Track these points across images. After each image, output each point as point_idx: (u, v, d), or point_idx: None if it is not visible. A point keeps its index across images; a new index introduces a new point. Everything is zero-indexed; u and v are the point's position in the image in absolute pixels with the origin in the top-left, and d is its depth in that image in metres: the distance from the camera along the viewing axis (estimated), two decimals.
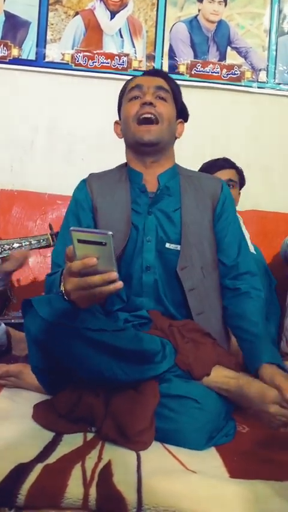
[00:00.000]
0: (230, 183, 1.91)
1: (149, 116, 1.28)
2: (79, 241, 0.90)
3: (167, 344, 1.14)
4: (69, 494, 0.78)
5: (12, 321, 1.89)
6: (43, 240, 1.80)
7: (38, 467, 0.83)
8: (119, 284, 0.92)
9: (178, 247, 1.29)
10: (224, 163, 1.94)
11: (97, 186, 1.39)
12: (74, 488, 0.79)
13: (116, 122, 1.43)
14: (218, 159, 1.96)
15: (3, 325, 1.69)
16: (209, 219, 1.34)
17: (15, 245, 1.74)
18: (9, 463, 0.84)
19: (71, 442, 1.00)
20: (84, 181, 1.43)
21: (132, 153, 1.38)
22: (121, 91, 1.41)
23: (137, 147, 1.34)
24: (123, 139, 1.41)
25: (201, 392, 1.08)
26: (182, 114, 1.41)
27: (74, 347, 1.07)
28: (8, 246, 1.73)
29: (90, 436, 1.04)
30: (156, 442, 1.03)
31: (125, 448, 0.99)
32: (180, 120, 1.41)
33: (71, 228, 0.89)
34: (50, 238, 1.82)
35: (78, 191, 1.41)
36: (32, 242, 1.78)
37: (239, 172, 1.97)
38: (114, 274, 0.91)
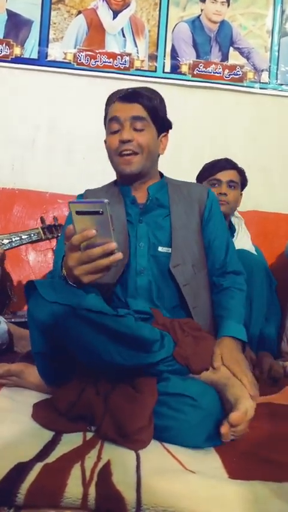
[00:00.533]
0: (231, 184, 1.91)
1: (127, 152, 1.35)
2: (77, 213, 0.95)
3: (166, 335, 1.15)
4: (68, 494, 0.77)
5: (13, 320, 1.89)
6: (34, 235, 1.78)
7: (38, 467, 0.83)
8: (119, 255, 0.99)
9: (170, 250, 1.37)
10: (225, 164, 1.93)
11: (92, 197, 1.47)
12: (73, 488, 0.79)
13: (105, 141, 1.46)
14: (219, 159, 1.95)
15: (4, 324, 1.69)
16: (196, 222, 1.43)
17: (5, 241, 1.73)
18: (9, 462, 0.84)
19: (71, 441, 0.99)
20: (81, 195, 1.52)
21: (119, 177, 1.47)
22: (105, 108, 1.44)
23: (121, 176, 1.44)
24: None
25: (198, 389, 1.09)
26: (164, 126, 1.44)
27: (75, 328, 1.09)
28: None
29: (89, 435, 1.04)
30: (156, 441, 1.03)
31: (124, 447, 0.98)
32: (163, 134, 1.44)
33: (69, 201, 0.95)
34: (42, 232, 1.80)
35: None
36: (23, 237, 1.76)
37: (241, 173, 1.96)
38: (113, 245, 0.96)
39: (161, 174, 1.51)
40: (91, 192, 1.50)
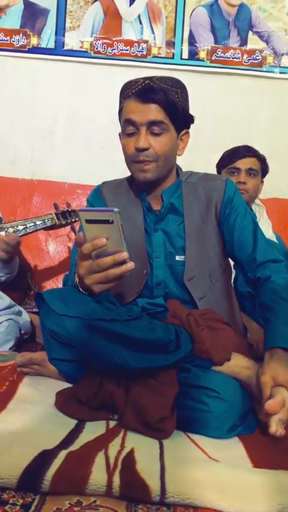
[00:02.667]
0: (251, 172, 1.87)
1: (143, 160, 1.25)
2: (87, 221, 0.93)
3: (181, 333, 1.14)
4: (93, 481, 0.78)
5: (34, 310, 1.90)
6: (48, 220, 1.76)
7: (62, 454, 0.84)
8: (131, 265, 0.95)
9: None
10: (245, 151, 1.89)
11: (110, 196, 1.41)
12: (97, 475, 0.79)
13: (119, 134, 1.36)
14: (238, 147, 1.92)
15: (26, 315, 1.71)
16: (213, 226, 1.34)
17: (20, 227, 1.71)
18: (34, 450, 0.84)
19: (94, 429, 1.00)
20: (98, 189, 1.44)
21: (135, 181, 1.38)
22: (119, 100, 1.32)
23: (137, 182, 1.35)
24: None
25: (220, 381, 1.08)
26: (186, 123, 1.33)
27: (86, 338, 1.10)
28: (12, 229, 1.70)
29: (112, 423, 1.05)
30: (178, 431, 1.03)
31: (147, 436, 0.99)
32: (183, 132, 1.33)
33: (78, 209, 0.93)
34: (55, 218, 1.77)
35: (92, 198, 1.44)
36: (37, 223, 1.74)
37: (261, 161, 1.92)
38: (125, 254, 0.93)
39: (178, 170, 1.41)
40: (107, 186, 1.44)
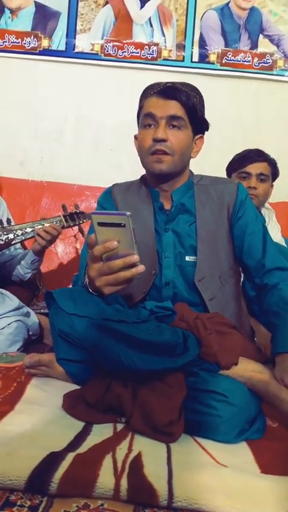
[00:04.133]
0: (261, 177, 1.86)
1: (160, 152, 1.28)
2: (99, 224, 0.93)
3: (189, 336, 1.14)
4: (100, 484, 0.78)
5: (42, 311, 1.91)
6: (56, 222, 1.77)
7: (70, 457, 0.84)
8: (141, 268, 0.95)
9: (196, 258, 1.31)
10: (255, 155, 1.88)
11: (121, 198, 1.42)
12: (105, 479, 0.79)
13: (135, 137, 1.40)
14: (250, 150, 1.90)
15: (35, 316, 1.71)
16: (225, 227, 1.35)
17: (28, 229, 1.73)
18: (42, 451, 0.85)
19: (101, 432, 1.00)
20: (109, 190, 1.46)
21: (149, 177, 1.40)
22: (139, 100, 1.36)
23: (151, 176, 1.37)
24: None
25: (228, 386, 1.08)
26: (201, 128, 1.36)
27: (95, 338, 1.10)
28: (20, 231, 1.72)
29: (120, 426, 1.04)
30: (186, 435, 1.03)
31: (154, 439, 0.99)
32: (198, 136, 1.36)
33: (91, 212, 0.93)
34: (63, 220, 1.78)
35: (103, 200, 1.45)
36: (45, 225, 1.75)
37: (272, 165, 1.91)
38: (136, 257, 0.94)
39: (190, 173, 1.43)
40: (119, 188, 1.45)
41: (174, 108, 1.28)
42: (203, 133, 1.38)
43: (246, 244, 1.33)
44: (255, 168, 1.86)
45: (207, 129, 1.38)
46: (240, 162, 1.88)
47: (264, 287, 1.29)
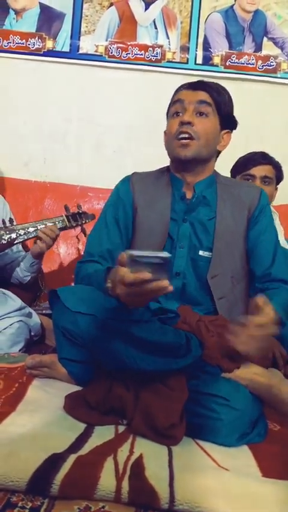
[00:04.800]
0: (266, 179, 1.86)
1: (186, 135, 1.29)
2: (134, 260, 0.91)
3: (191, 338, 1.14)
4: (102, 487, 0.78)
5: (44, 311, 1.91)
6: (58, 222, 1.76)
7: (71, 458, 0.84)
8: (170, 288, 0.92)
9: (211, 255, 1.31)
10: (260, 158, 1.87)
11: (140, 186, 1.41)
12: (106, 481, 0.79)
13: (164, 132, 1.43)
14: (255, 153, 1.90)
15: (37, 317, 1.72)
16: (243, 228, 1.34)
17: (30, 229, 1.72)
18: (43, 453, 0.85)
19: (103, 434, 1.00)
20: (128, 178, 1.45)
21: (174, 165, 1.40)
22: (171, 100, 1.41)
23: (176, 163, 1.37)
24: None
25: (230, 389, 1.08)
26: (229, 123, 1.38)
27: (98, 336, 1.11)
28: (23, 231, 1.72)
29: (121, 428, 1.05)
30: (187, 437, 1.03)
31: (156, 442, 0.99)
32: (226, 131, 1.38)
33: (129, 252, 0.91)
34: (66, 220, 1.78)
35: (121, 186, 1.44)
36: (48, 225, 1.75)
37: (276, 167, 1.90)
38: (166, 282, 0.92)
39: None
40: (138, 176, 1.44)
41: (202, 95, 1.32)
42: (231, 130, 1.40)
43: (257, 249, 1.34)
44: (259, 171, 1.85)
45: (235, 127, 1.40)
46: (244, 164, 1.88)
47: (264, 289, 1.28)
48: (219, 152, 1.41)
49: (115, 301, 1.13)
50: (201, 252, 1.32)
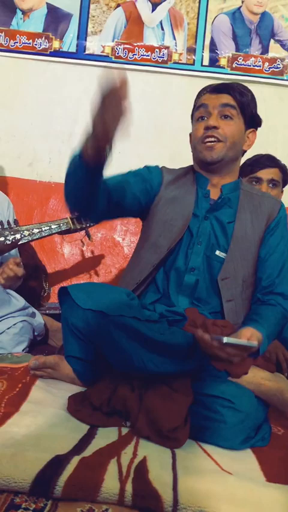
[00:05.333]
0: (273, 182, 1.85)
1: (212, 139, 1.30)
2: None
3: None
4: (105, 489, 0.78)
5: (47, 311, 1.91)
6: (63, 224, 1.76)
7: (75, 460, 0.84)
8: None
9: (226, 256, 1.31)
10: (267, 161, 1.86)
11: (168, 179, 1.41)
12: (110, 483, 0.79)
13: (190, 135, 1.44)
14: (261, 156, 1.89)
15: (40, 317, 1.71)
16: (259, 237, 1.35)
17: (35, 230, 1.72)
18: (47, 454, 0.84)
19: (106, 435, 1.00)
20: (159, 167, 1.45)
21: (200, 167, 1.40)
22: (195, 101, 1.42)
23: (202, 165, 1.38)
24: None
25: (235, 391, 1.07)
26: (253, 122, 1.39)
27: (108, 334, 1.11)
28: (27, 232, 1.72)
29: (124, 430, 1.04)
30: (191, 440, 1.03)
31: (159, 445, 0.98)
32: (250, 130, 1.39)
33: (225, 340, 1.00)
34: (71, 222, 1.78)
35: (153, 168, 1.43)
36: (52, 227, 1.74)
37: (283, 171, 1.90)
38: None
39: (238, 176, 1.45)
40: (167, 170, 1.44)
41: (226, 99, 1.33)
42: (256, 128, 1.41)
43: (268, 259, 1.34)
44: (266, 174, 1.85)
45: (259, 124, 1.41)
46: (251, 167, 1.87)
47: (263, 302, 1.30)
48: (244, 152, 1.41)
49: (125, 299, 1.15)
50: (217, 252, 1.32)
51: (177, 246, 1.32)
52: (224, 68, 2.45)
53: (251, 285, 1.33)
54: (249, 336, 1.08)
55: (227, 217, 1.35)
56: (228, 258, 1.30)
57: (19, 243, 1.71)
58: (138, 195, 1.34)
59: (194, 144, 1.37)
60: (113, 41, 2.43)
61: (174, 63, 2.44)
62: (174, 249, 1.31)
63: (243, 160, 1.56)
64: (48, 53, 2.42)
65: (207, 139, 1.30)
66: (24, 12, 2.42)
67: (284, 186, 1.93)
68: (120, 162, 2.42)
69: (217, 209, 1.35)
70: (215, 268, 1.31)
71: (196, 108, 1.37)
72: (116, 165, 2.53)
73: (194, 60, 2.45)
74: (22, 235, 1.70)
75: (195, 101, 1.41)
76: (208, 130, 1.30)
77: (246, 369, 1.11)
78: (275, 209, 1.37)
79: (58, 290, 1.23)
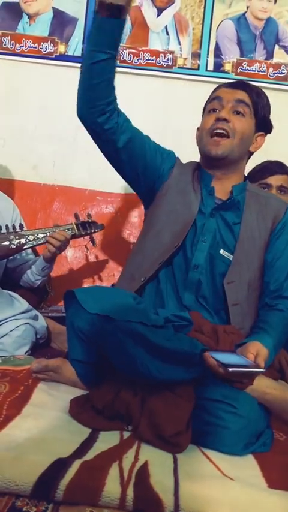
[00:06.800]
0: (282, 189, 1.84)
1: (221, 131, 1.30)
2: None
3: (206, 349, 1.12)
4: (107, 493, 0.78)
5: (50, 314, 1.91)
6: (68, 230, 1.77)
7: (76, 464, 0.84)
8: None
9: (231, 257, 1.30)
10: (277, 168, 1.86)
11: (178, 170, 1.42)
12: (111, 487, 0.79)
13: (197, 129, 1.44)
14: (271, 162, 1.89)
15: (43, 320, 1.72)
16: (265, 238, 1.34)
17: (40, 235, 1.73)
18: (49, 457, 0.84)
19: (108, 439, 1.00)
20: (175, 155, 1.45)
21: (204, 161, 1.40)
22: (210, 95, 1.42)
23: (206, 159, 1.37)
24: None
25: (238, 396, 1.07)
26: (264, 126, 1.39)
27: (113, 339, 1.09)
28: (32, 237, 1.72)
29: (126, 434, 1.04)
30: (192, 445, 1.02)
31: (161, 449, 0.98)
32: (260, 133, 1.39)
33: (230, 370, 0.98)
34: (75, 228, 1.79)
35: (172, 153, 1.44)
36: (56, 231, 1.75)
37: None
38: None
39: (245, 178, 1.45)
40: (179, 162, 1.44)
41: (241, 95, 1.33)
42: (266, 133, 1.41)
43: (275, 263, 1.32)
44: (276, 180, 1.84)
45: (270, 130, 1.41)
46: (261, 173, 1.87)
47: (271, 306, 1.28)
48: (250, 154, 1.41)
49: (132, 303, 1.15)
50: (222, 251, 1.31)
51: (182, 241, 1.31)
52: (229, 73, 2.46)
53: (257, 289, 1.32)
54: (255, 354, 1.06)
55: (233, 218, 1.34)
56: (234, 261, 1.29)
57: (24, 247, 1.71)
58: (148, 160, 1.36)
59: (201, 137, 1.36)
60: None
61: (179, 67, 2.45)
62: (180, 245, 1.31)
63: (251, 165, 1.56)
64: (53, 56, 2.43)
65: (216, 131, 1.29)
66: (30, 16, 2.43)
67: None
68: None
69: (225, 209, 1.34)
70: (218, 267, 1.30)
71: (210, 100, 1.37)
72: None
73: (198, 65, 2.46)
74: (27, 240, 1.71)
75: (210, 96, 1.40)
76: (218, 122, 1.29)
77: (252, 382, 1.10)
78: (282, 210, 1.36)
79: (64, 293, 1.22)
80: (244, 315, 1.28)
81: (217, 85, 1.44)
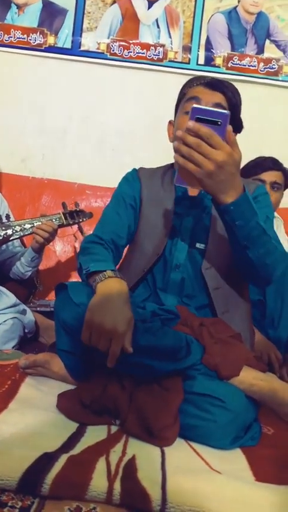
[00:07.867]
0: (275, 185, 1.85)
1: None
2: (197, 119, 0.98)
3: (192, 342, 1.12)
4: (93, 487, 0.77)
5: (38, 309, 1.90)
6: (55, 219, 1.76)
7: (63, 458, 0.83)
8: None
9: (205, 246, 1.31)
10: (271, 164, 1.86)
11: (146, 179, 1.42)
12: (98, 482, 0.78)
13: (170, 122, 1.42)
14: (265, 158, 1.89)
15: (31, 314, 1.70)
16: None
17: (27, 226, 1.72)
18: (35, 452, 0.83)
19: (95, 434, 0.99)
20: (136, 171, 1.46)
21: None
22: (181, 91, 1.38)
23: None
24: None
25: (226, 390, 1.07)
26: (238, 127, 1.36)
27: None
28: (19, 227, 1.71)
29: (114, 429, 1.03)
30: (180, 439, 1.02)
31: (148, 443, 0.98)
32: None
33: (194, 106, 0.99)
34: (63, 217, 1.77)
35: (130, 176, 1.45)
36: (42, 222, 1.74)
37: (286, 174, 1.89)
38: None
39: None
40: (144, 171, 1.45)
41: (220, 98, 1.30)
42: (237, 132, 1.37)
43: None
44: (269, 176, 1.84)
45: (240, 130, 1.38)
46: (255, 169, 1.87)
47: None
48: None
49: None
50: (197, 245, 1.32)
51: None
52: (219, 67, 2.46)
53: (238, 273, 1.32)
54: None
55: (205, 209, 1.35)
56: (208, 248, 1.31)
57: (11, 238, 1.69)
58: (135, 221, 1.39)
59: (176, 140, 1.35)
60: (108, 38, 2.42)
61: (170, 61, 2.44)
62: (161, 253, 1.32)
63: (244, 162, 1.54)
64: (42, 48, 2.41)
65: None
66: (19, 7, 2.40)
67: (285, 189, 1.93)
68: (114, 159, 2.44)
69: (197, 206, 1.35)
70: (197, 261, 1.31)
71: (187, 99, 1.33)
72: (110, 162, 2.54)
73: (189, 58, 2.45)
74: (14, 231, 1.69)
75: (183, 89, 1.37)
76: None
77: (237, 371, 1.10)
78: (250, 189, 1.33)
79: (56, 285, 1.22)
80: (226, 298, 1.29)
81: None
